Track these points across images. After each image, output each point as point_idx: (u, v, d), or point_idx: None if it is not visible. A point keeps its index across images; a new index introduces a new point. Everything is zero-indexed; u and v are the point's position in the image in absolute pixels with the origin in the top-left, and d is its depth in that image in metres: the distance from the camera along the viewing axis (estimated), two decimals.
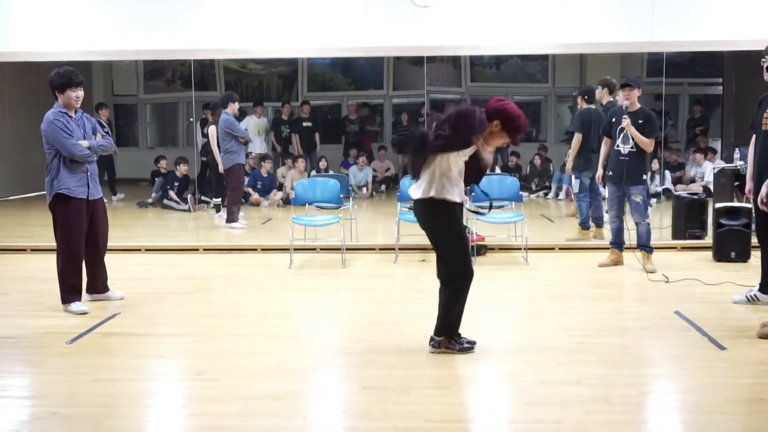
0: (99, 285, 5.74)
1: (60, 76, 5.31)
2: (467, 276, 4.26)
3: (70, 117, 5.37)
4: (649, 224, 6.67)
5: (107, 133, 5.80)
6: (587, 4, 8.01)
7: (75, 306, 5.43)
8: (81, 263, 5.53)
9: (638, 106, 6.58)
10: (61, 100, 5.35)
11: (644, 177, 6.69)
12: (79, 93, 5.37)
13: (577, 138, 8.13)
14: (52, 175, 5.35)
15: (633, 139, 6.47)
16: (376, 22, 7.95)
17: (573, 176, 8.31)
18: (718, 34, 7.88)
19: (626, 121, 6.46)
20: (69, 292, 5.46)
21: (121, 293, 5.84)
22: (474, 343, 4.41)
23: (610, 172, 6.70)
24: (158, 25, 8.13)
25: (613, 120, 6.72)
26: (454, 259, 4.27)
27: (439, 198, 4.16)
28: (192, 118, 12.10)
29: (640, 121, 6.48)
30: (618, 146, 6.59)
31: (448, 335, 4.38)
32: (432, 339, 4.40)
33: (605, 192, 7.09)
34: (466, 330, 4.63)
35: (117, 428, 3.46)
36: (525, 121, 4.17)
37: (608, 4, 8.04)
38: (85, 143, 5.39)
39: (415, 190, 4.27)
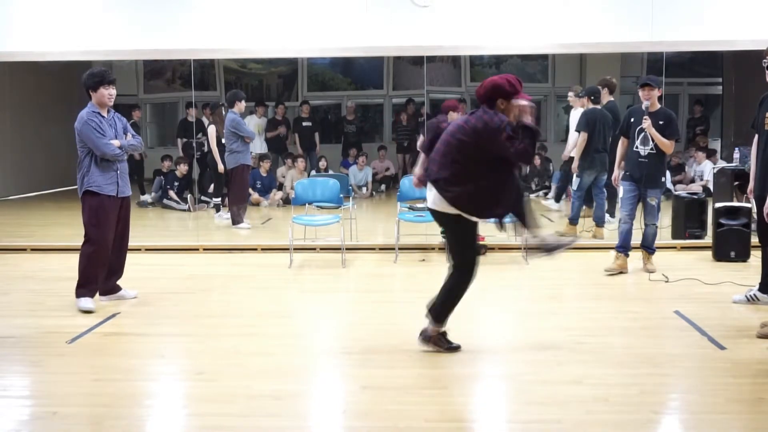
0: (113, 285, 5.74)
1: (93, 76, 5.39)
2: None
3: (103, 117, 5.44)
4: (657, 227, 6.59)
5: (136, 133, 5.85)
6: (587, 3, 8.01)
7: (84, 302, 5.42)
8: (107, 259, 5.54)
9: (658, 106, 6.40)
10: (94, 99, 5.43)
11: (663, 179, 6.53)
12: (112, 91, 5.45)
13: (583, 137, 8.10)
14: (83, 172, 5.41)
15: (653, 141, 6.30)
16: (376, 22, 7.95)
17: (575, 174, 8.31)
18: (718, 34, 7.88)
19: (647, 122, 6.25)
20: (85, 287, 5.45)
21: (135, 292, 5.85)
22: (459, 346, 4.43)
23: (628, 173, 6.50)
24: (158, 25, 8.13)
25: (632, 120, 6.49)
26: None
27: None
28: (191, 118, 12.10)
29: (661, 122, 6.29)
30: (637, 147, 6.39)
31: (440, 322, 4.40)
32: (424, 331, 4.43)
33: (620, 192, 6.94)
34: (466, 330, 4.64)
35: (117, 428, 3.46)
36: (511, 77, 4.17)
37: (608, 4, 8.04)
38: (116, 143, 5.45)
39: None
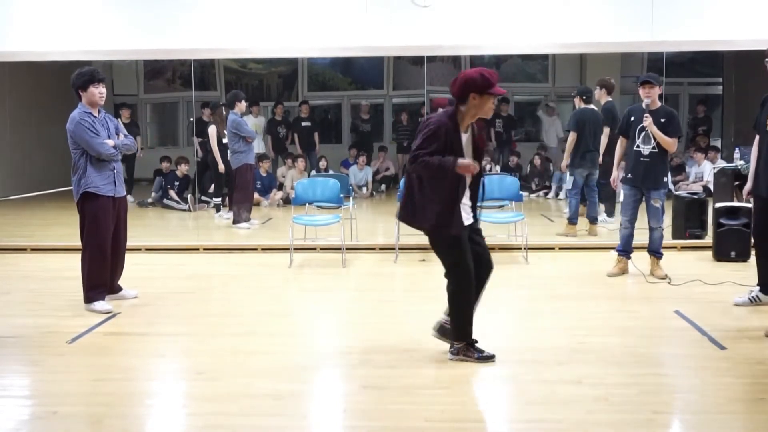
0: (115, 285, 5.73)
1: (82, 75, 5.35)
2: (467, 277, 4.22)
3: (95, 117, 5.40)
4: (663, 230, 6.44)
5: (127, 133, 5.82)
6: (587, 3, 8.02)
7: (99, 305, 5.40)
8: (109, 260, 5.51)
9: (659, 104, 6.26)
10: (84, 98, 5.39)
11: (665, 179, 6.36)
12: (102, 90, 5.40)
13: (572, 137, 8.24)
14: (79, 174, 5.36)
15: (655, 139, 6.16)
16: (376, 22, 7.95)
17: (568, 173, 8.39)
18: (718, 34, 7.88)
19: (648, 120, 6.11)
20: (94, 290, 5.43)
21: (135, 291, 5.84)
22: (493, 356, 4.27)
23: (629, 174, 6.35)
24: (158, 25, 8.13)
25: (632, 119, 6.32)
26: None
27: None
28: (192, 117, 12.11)
29: (662, 120, 6.15)
30: (638, 147, 6.23)
31: (464, 339, 4.26)
32: (451, 345, 4.30)
33: (621, 196, 6.84)
34: None
35: (117, 427, 3.46)
36: (485, 70, 3.97)
37: (608, 3, 8.05)
38: (110, 142, 5.42)
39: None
